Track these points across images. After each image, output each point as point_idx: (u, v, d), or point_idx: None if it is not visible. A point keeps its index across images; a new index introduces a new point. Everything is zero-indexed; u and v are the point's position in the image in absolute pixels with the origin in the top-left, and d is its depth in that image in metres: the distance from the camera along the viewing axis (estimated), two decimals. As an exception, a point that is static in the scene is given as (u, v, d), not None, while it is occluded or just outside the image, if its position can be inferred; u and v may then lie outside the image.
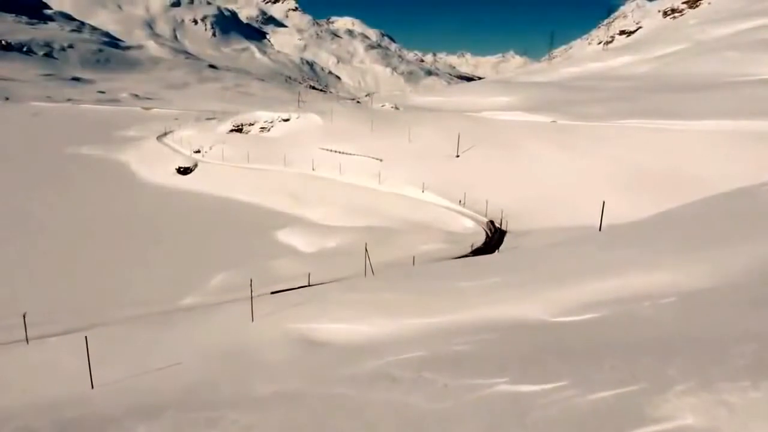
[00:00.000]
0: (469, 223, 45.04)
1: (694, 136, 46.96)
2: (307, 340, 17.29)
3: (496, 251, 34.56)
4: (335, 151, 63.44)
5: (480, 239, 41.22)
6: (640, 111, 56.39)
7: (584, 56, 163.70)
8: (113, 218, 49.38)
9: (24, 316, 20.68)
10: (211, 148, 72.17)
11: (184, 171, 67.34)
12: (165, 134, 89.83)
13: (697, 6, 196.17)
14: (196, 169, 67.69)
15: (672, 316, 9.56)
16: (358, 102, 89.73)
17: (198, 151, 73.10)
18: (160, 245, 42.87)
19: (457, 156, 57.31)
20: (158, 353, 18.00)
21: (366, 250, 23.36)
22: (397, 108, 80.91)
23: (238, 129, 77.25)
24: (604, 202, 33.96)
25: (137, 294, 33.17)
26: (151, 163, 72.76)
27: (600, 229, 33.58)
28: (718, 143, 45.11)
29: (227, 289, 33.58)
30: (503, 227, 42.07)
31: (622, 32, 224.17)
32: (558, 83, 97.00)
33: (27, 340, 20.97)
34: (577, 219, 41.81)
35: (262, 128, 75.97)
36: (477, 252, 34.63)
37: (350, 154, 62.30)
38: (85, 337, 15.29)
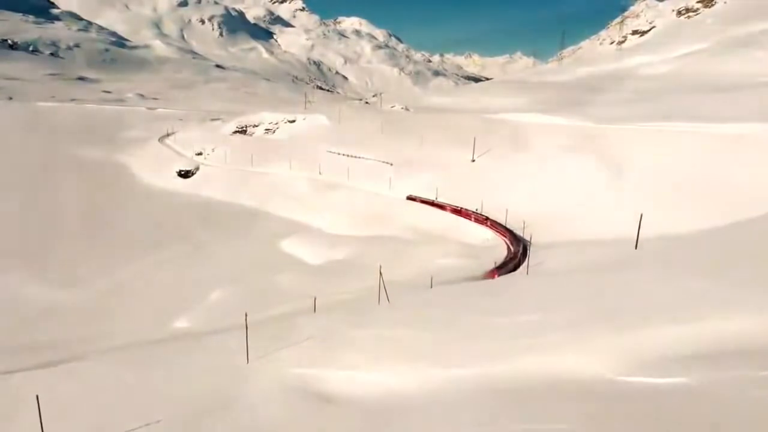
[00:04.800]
0: (488, 234, 42.04)
1: (732, 139, 43.41)
2: (310, 393, 14.26)
3: (522, 266, 31.55)
4: (343, 155, 60.62)
5: (499, 251, 38.22)
6: (667, 113, 52.92)
7: (598, 56, 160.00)
8: (108, 225, 46.76)
9: (-13, 351, 17.83)
10: (213, 150, 69.58)
11: (184, 174, 64.75)
12: (167, 135, 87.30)
13: (712, 5, 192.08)
14: (197, 173, 65.08)
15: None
16: (366, 102, 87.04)
17: (200, 154, 70.51)
18: (155, 255, 40.22)
19: (473, 160, 54.28)
20: (135, 404, 14.91)
21: (380, 273, 20.32)
22: (407, 109, 77.99)
23: (242, 131, 74.68)
24: (642, 215, 30.82)
25: (128, 313, 30.50)
26: (152, 166, 70.20)
27: (636, 246, 30.60)
28: (760, 148, 41.56)
29: (225, 307, 30.96)
30: (527, 238, 39.01)
31: (634, 32, 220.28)
32: (574, 84, 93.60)
33: (-9, 377, 18.11)
34: (604, 230, 38.77)
35: (266, 130, 73.34)
36: (501, 268, 31.80)
37: (359, 157, 59.45)
38: (36, 396, 12.27)
